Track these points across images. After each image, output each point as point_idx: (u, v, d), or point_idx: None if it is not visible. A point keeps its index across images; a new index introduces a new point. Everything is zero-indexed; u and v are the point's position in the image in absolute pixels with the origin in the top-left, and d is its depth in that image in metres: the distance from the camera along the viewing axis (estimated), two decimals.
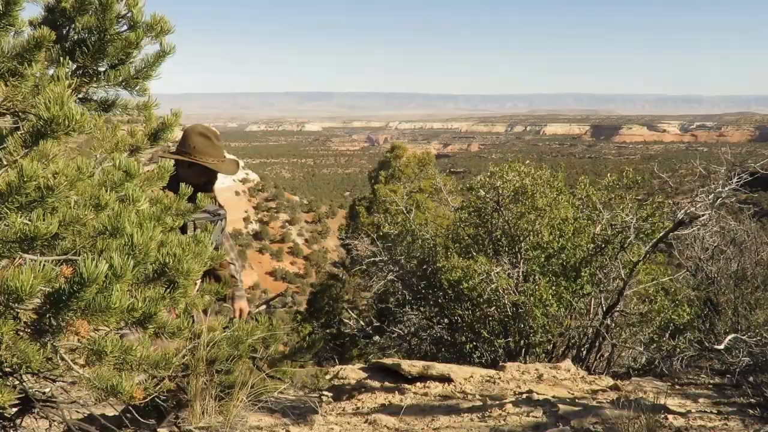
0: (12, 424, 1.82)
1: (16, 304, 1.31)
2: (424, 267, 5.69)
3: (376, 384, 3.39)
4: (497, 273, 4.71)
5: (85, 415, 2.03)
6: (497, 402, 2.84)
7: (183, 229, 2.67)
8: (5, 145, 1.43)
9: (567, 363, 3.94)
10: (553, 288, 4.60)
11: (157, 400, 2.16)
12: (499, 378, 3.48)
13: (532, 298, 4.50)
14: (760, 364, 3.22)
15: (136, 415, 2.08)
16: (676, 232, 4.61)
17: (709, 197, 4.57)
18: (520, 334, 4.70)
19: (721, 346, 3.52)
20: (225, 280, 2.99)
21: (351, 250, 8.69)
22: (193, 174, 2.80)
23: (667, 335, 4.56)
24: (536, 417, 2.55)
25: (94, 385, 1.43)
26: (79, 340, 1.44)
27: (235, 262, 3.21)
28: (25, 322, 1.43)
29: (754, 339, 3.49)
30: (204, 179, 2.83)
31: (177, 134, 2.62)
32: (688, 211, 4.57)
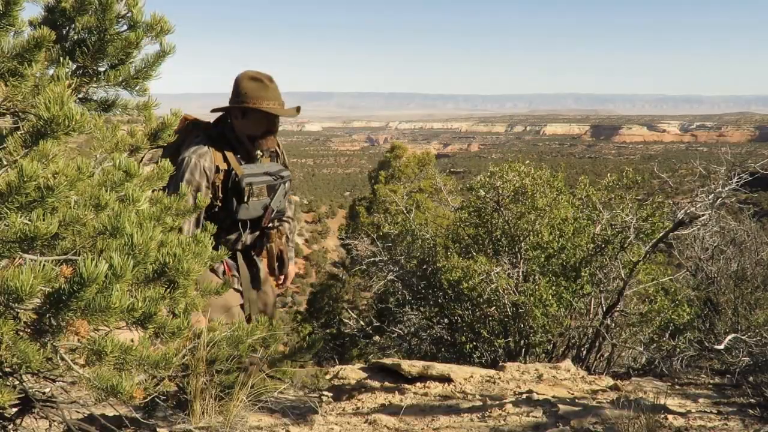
0: (12, 424, 1.82)
1: (16, 304, 1.31)
2: (424, 267, 5.69)
3: (376, 384, 3.39)
4: (497, 273, 4.71)
5: (85, 415, 2.03)
6: (497, 402, 2.84)
7: (239, 195, 2.53)
8: (5, 145, 1.43)
9: (567, 363, 3.94)
10: (553, 288, 4.60)
11: (157, 400, 2.16)
12: (499, 378, 3.48)
13: (532, 298, 4.50)
14: (760, 364, 3.22)
15: (137, 415, 2.08)
16: (676, 232, 4.61)
17: (709, 197, 4.57)
18: (520, 334, 4.70)
19: (721, 346, 3.52)
20: (271, 253, 2.76)
21: (351, 250, 8.69)
22: (249, 124, 2.56)
23: (667, 335, 4.56)
24: (536, 417, 2.55)
25: (94, 385, 1.44)
26: (79, 340, 1.45)
27: (291, 220, 2.99)
28: (25, 322, 1.43)
29: (754, 339, 3.49)
30: (262, 128, 2.56)
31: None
32: (688, 211, 4.57)
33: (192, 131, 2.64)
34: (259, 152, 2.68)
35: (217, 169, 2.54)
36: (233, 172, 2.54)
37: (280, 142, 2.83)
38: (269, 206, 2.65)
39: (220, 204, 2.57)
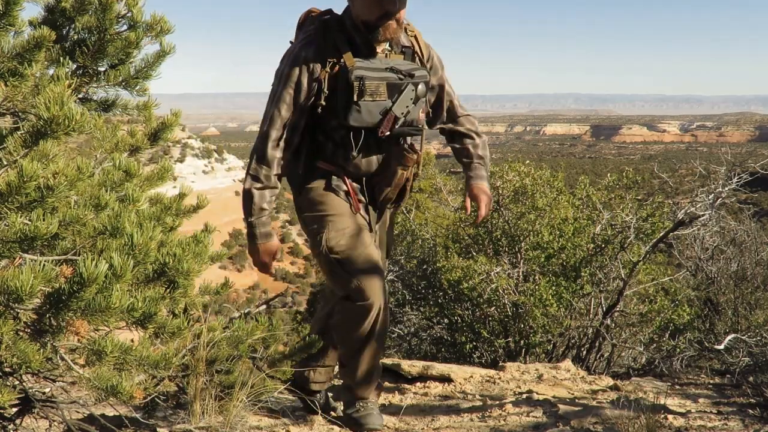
0: (12, 424, 1.82)
1: (16, 304, 1.31)
2: (424, 267, 5.69)
3: None
4: (497, 273, 4.71)
5: (85, 415, 2.03)
6: (497, 402, 2.84)
7: (349, 93, 2.04)
8: (5, 145, 1.44)
9: (567, 363, 3.93)
10: (553, 288, 4.60)
11: (157, 400, 2.16)
12: (499, 378, 3.48)
13: (532, 298, 4.50)
14: (760, 364, 3.23)
15: (137, 415, 2.08)
16: (676, 232, 4.61)
17: (709, 197, 4.57)
18: (520, 334, 4.71)
19: (721, 346, 3.53)
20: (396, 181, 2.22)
21: None
22: (361, 5, 2.06)
23: (667, 335, 4.56)
24: (536, 417, 2.55)
25: (94, 385, 1.44)
26: (79, 340, 1.45)
27: (475, 135, 2.46)
28: (25, 322, 1.43)
29: (754, 339, 3.49)
30: (377, 11, 2.03)
31: (177, 134, 2.55)
32: (688, 211, 4.57)
33: (306, 21, 2.21)
34: (385, 45, 2.15)
35: (324, 63, 2.06)
36: (343, 63, 2.05)
37: (419, 33, 2.25)
38: (390, 111, 2.09)
39: (324, 104, 2.08)
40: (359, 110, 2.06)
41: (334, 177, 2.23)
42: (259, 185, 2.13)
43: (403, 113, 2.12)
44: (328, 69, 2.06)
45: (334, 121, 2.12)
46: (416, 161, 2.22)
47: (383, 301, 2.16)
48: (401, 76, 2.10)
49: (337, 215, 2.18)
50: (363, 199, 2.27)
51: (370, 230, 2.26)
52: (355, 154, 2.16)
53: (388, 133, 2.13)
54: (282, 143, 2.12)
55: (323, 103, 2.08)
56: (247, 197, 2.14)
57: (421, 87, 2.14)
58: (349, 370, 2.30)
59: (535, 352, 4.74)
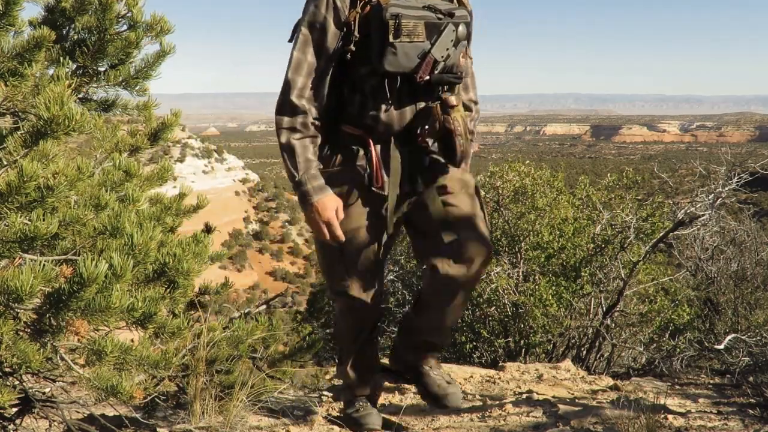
0: (12, 424, 1.82)
1: (16, 304, 1.31)
2: (424, 267, 5.68)
3: None
4: (497, 273, 4.71)
5: (85, 415, 2.03)
6: (497, 402, 2.84)
7: (383, 33, 1.80)
8: (5, 145, 1.44)
9: (567, 363, 3.94)
10: (553, 288, 4.60)
11: (157, 400, 2.16)
12: (499, 378, 3.48)
13: (532, 298, 4.50)
14: (760, 364, 3.23)
15: (137, 415, 2.08)
16: (676, 232, 4.61)
17: (709, 197, 4.58)
18: (520, 334, 4.71)
19: (721, 346, 3.53)
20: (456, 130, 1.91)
21: None
22: None
23: (667, 335, 4.56)
24: (536, 417, 2.55)
25: (94, 385, 1.44)
26: (79, 340, 1.45)
27: (474, 104, 2.24)
28: (25, 322, 1.43)
29: (754, 339, 3.49)
30: None
31: (177, 134, 2.54)
32: (688, 211, 4.58)
33: None
34: None
35: (354, 3, 1.85)
36: (376, 1, 1.83)
37: None
38: (428, 53, 1.87)
39: (354, 49, 1.86)
40: (395, 52, 1.82)
41: (359, 152, 1.96)
42: (298, 135, 1.87)
43: (443, 56, 1.89)
44: (358, 9, 1.85)
45: (364, 69, 1.89)
46: (457, 105, 1.93)
47: (372, 299, 2.09)
48: (440, 16, 1.87)
49: (350, 232, 1.95)
50: (385, 177, 1.97)
51: (387, 213, 1.98)
52: (389, 104, 1.92)
53: (427, 78, 1.88)
54: (309, 92, 1.88)
55: (353, 48, 1.86)
56: (288, 152, 1.87)
57: (461, 28, 1.92)
58: (346, 367, 2.30)
59: (535, 352, 4.74)
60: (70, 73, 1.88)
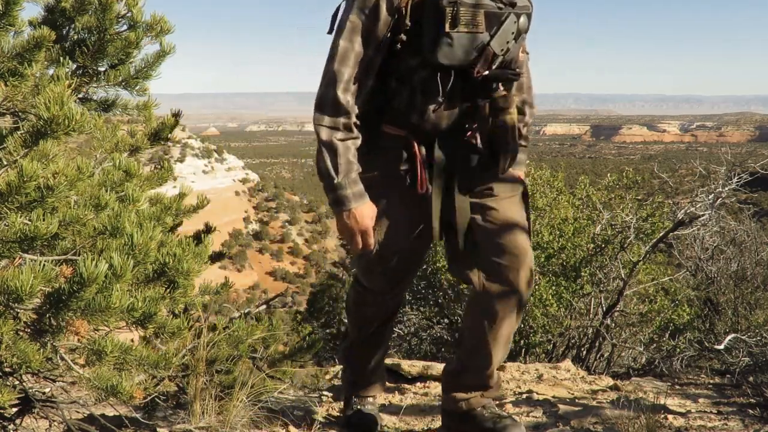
0: (12, 424, 1.82)
1: (16, 304, 1.31)
2: (425, 267, 5.69)
3: None
4: None
5: (85, 415, 2.03)
6: (497, 402, 2.84)
7: (439, 21, 1.63)
8: (5, 145, 1.44)
9: (567, 363, 3.93)
10: (553, 288, 4.60)
11: (157, 400, 2.16)
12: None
13: (532, 298, 4.50)
14: (760, 364, 3.23)
15: (137, 415, 2.08)
16: (676, 232, 4.61)
17: (709, 197, 4.58)
18: (520, 334, 4.71)
19: (721, 346, 3.52)
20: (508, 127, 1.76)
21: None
22: None
23: (667, 335, 4.56)
24: (536, 417, 2.55)
25: (94, 385, 1.44)
26: (79, 340, 1.45)
27: (529, 105, 1.98)
28: (25, 322, 1.43)
29: (754, 339, 3.49)
30: None
31: (177, 134, 2.53)
32: (688, 211, 4.58)
33: None
34: None
35: None
36: None
37: None
38: (487, 46, 1.68)
39: (404, 39, 1.69)
40: (451, 44, 1.64)
41: (402, 154, 1.82)
42: (341, 135, 1.70)
43: (502, 50, 1.70)
44: None
45: (413, 60, 1.72)
46: (510, 107, 1.75)
47: (390, 301, 2.09)
48: (501, 5, 1.68)
49: (389, 239, 1.87)
50: (429, 184, 1.82)
51: (431, 216, 1.83)
52: (441, 100, 1.74)
53: (486, 73, 1.71)
54: (354, 87, 1.71)
55: (403, 37, 1.69)
56: (330, 151, 1.70)
57: (523, 19, 1.72)
58: (352, 367, 2.31)
59: (535, 352, 4.74)
60: (70, 73, 1.88)
